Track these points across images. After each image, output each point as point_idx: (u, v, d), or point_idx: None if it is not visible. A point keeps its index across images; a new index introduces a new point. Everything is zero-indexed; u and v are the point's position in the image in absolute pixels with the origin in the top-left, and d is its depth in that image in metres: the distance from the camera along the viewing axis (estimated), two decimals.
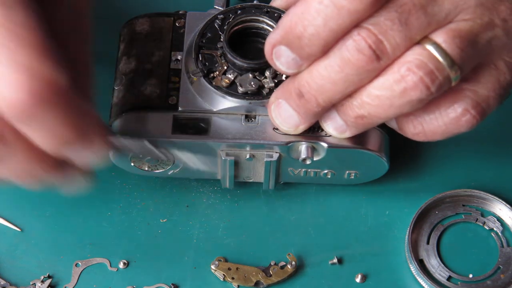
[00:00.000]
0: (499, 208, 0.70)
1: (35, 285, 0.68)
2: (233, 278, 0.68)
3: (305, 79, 0.58)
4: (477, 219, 0.70)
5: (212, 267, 0.68)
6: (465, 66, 0.57)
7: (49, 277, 0.68)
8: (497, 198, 0.70)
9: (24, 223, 0.71)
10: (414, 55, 0.56)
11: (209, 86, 0.64)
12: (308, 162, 0.65)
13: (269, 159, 0.66)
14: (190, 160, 0.67)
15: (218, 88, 0.64)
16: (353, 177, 0.68)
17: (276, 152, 0.66)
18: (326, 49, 0.57)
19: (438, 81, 0.56)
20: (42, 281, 0.68)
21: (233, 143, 0.65)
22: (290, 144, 0.65)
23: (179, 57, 0.68)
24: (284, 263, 0.69)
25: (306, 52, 0.57)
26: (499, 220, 0.70)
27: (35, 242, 0.70)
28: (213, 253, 0.69)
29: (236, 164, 0.67)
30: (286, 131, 0.64)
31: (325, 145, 0.64)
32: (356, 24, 0.55)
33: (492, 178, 0.72)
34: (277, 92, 0.62)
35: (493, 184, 0.71)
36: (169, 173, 0.69)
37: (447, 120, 0.60)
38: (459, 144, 0.73)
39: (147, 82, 0.67)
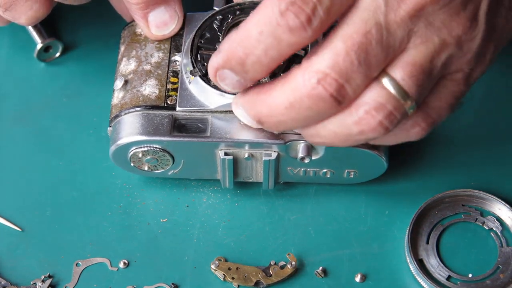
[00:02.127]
0: (499, 208, 0.70)
1: (36, 285, 0.68)
2: (233, 278, 0.68)
3: (264, 112, 0.59)
4: (477, 219, 0.70)
5: (212, 267, 0.68)
6: (422, 96, 0.57)
7: (49, 276, 0.69)
8: (497, 198, 0.70)
9: (25, 223, 0.71)
10: (372, 96, 0.56)
11: (207, 85, 0.65)
12: (306, 160, 0.65)
13: (267, 158, 0.66)
14: None
15: (216, 87, 0.64)
16: (352, 176, 0.69)
17: (275, 151, 0.66)
18: (268, 73, 0.57)
19: (396, 120, 0.57)
20: (43, 281, 0.68)
21: (231, 143, 0.65)
22: (289, 143, 0.65)
23: (178, 58, 0.68)
24: (284, 263, 0.69)
25: (249, 76, 0.57)
26: (499, 220, 0.70)
27: (36, 242, 0.70)
28: (213, 253, 0.69)
29: (235, 163, 0.67)
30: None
31: None
32: (298, 49, 0.55)
33: (492, 178, 0.72)
34: (236, 98, 0.62)
35: (492, 184, 0.71)
36: (169, 174, 0.69)
37: (397, 130, 0.59)
38: (458, 144, 0.73)
39: (146, 83, 0.67)
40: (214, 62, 0.58)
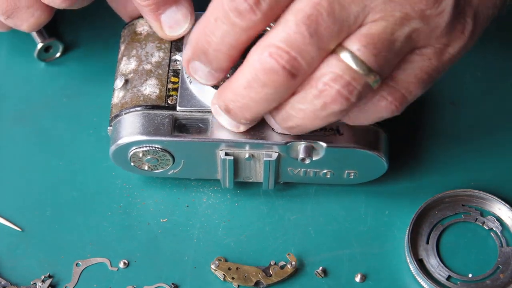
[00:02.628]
0: (499, 208, 0.70)
1: (36, 285, 0.68)
2: (233, 278, 0.68)
3: (229, 97, 0.59)
4: (477, 219, 0.70)
5: (212, 267, 0.68)
6: (385, 68, 0.57)
7: (49, 276, 0.69)
8: (497, 198, 0.70)
9: (25, 223, 0.71)
10: (329, 68, 0.56)
11: (208, 85, 0.65)
12: (307, 161, 0.65)
13: (268, 159, 0.66)
14: None
15: (216, 87, 0.64)
16: (352, 177, 0.69)
17: (275, 152, 0.66)
18: (232, 61, 0.57)
19: (357, 91, 0.56)
20: (43, 281, 0.68)
21: (232, 143, 0.65)
22: (289, 143, 0.65)
23: (179, 58, 0.68)
24: (284, 263, 0.69)
25: (215, 65, 0.58)
26: (499, 220, 0.70)
27: (36, 242, 0.70)
28: (213, 253, 0.69)
29: (236, 164, 0.67)
30: (231, 130, 0.64)
31: (324, 144, 0.65)
32: (256, 34, 0.56)
33: (492, 178, 0.72)
34: (213, 98, 0.62)
35: (492, 184, 0.71)
36: (169, 173, 0.69)
37: (365, 106, 0.59)
38: (458, 144, 0.73)
39: (147, 82, 0.67)
40: (185, 54, 0.59)
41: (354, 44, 0.55)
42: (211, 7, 0.56)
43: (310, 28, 0.54)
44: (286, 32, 0.55)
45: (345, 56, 0.56)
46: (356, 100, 0.57)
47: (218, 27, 0.56)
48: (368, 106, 0.59)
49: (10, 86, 0.77)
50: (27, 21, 0.70)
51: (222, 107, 0.60)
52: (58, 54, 0.78)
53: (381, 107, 0.59)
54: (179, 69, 0.67)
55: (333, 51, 0.56)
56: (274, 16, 0.55)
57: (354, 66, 0.55)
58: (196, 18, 0.69)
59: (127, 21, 0.72)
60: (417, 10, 0.55)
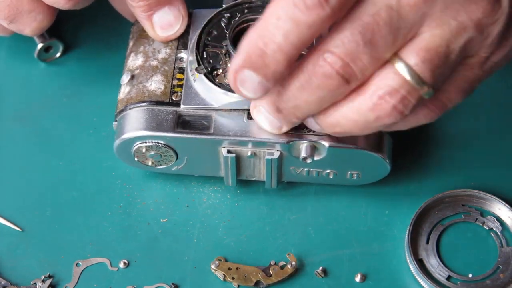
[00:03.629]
0: (499, 208, 0.70)
1: (36, 285, 0.68)
2: (233, 278, 0.68)
3: (281, 98, 0.59)
4: (477, 219, 0.70)
5: (212, 267, 0.68)
6: (439, 81, 0.56)
7: (49, 276, 0.69)
8: (497, 198, 0.70)
9: (25, 223, 0.71)
10: (385, 80, 0.55)
11: (212, 84, 0.65)
12: (309, 161, 0.65)
13: (270, 157, 0.66)
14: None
15: (220, 85, 0.65)
16: (355, 177, 0.69)
17: (277, 150, 0.66)
18: (290, 64, 0.56)
19: (411, 105, 0.56)
20: (43, 281, 0.68)
21: (234, 140, 0.65)
22: (291, 142, 0.65)
23: (184, 55, 0.68)
24: (284, 263, 0.69)
25: (271, 70, 0.56)
26: (499, 220, 0.70)
27: (36, 242, 0.70)
28: (213, 253, 0.69)
29: (238, 161, 0.67)
30: (271, 132, 0.64)
31: (326, 144, 0.65)
32: (317, 34, 0.55)
33: (492, 178, 0.72)
34: (256, 101, 0.62)
35: (492, 184, 0.71)
36: (173, 169, 0.69)
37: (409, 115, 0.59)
38: (458, 144, 0.73)
39: (152, 78, 0.67)
40: (234, 64, 0.57)
41: (412, 57, 0.55)
42: (271, 8, 0.55)
43: (365, 37, 0.54)
44: (341, 40, 0.55)
45: (401, 68, 0.55)
46: (410, 113, 0.57)
47: (281, 26, 0.54)
48: (411, 115, 0.59)
49: (10, 86, 0.77)
50: (30, 25, 0.70)
51: (271, 108, 0.60)
52: (58, 54, 0.78)
53: (422, 116, 0.59)
54: (185, 66, 0.68)
55: (389, 61, 0.55)
56: (340, 14, 0.54)
57: (411, 80, 0.55)
58: (197, 16, 0.69)
59: (132, 21, 0.72)
60: (474, 19, 0.55)
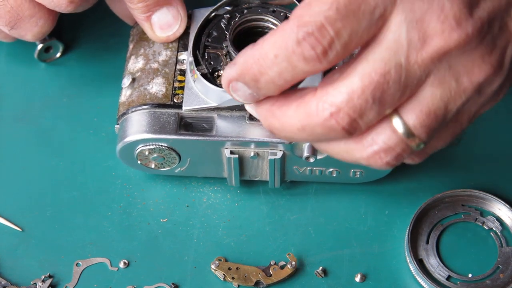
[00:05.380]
0: (498, 208, 0.70)
1: (36, 285, 0.68)
2: (233, 278, 0.68)
3: (275, 126, 0.58)
4: (476, 219, 0.70)
5: (212, 266, 0.68)
6: (432, 138, 0.57)
7: (49, 276, 0.69)
8: (496, 198, 0.70)
9: (25, 223, 0.71)
10: (382, 136, 0.56)
11: (212, 84, 0.65)
12: (311, 160, 0.65)
13: (273, 157, 0.66)
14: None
15: (220, 85, 0.65)
16: (358, 175, 0.69)
17: (280, 150, 0.66)
18: (281, 91, 0.56)
19: (402, 159, 0.57)
20: (43, 281, 0.68)
21: (237, 141, 0.65)
22: (294, 142, 0.65)
23: (185, 57, 0.68)
24: (284, 263, 0.69)
25: (262, 92, 0.57)
26: (498, 219, 0.70)
27: (36, 242, 0.70)
28: (213, 253, 0.69)
29: (241, 162, 0.67)
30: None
31: None
32: (311, 75, 0.55)
33: (491, 178, 0.72)
34: (252, 104, 0.60)
35: (492, 184, 0.71)
36: (176, 171, 0.69)
37: None
38: (458, 144, 0.73)
39: (153, 81, 0.67)
40: (228, 73, 0.57)
41: (411, 118, 0.55)
42: (272, 40, 0.54)
43: (375, 96, 0.54)
44: (350, 95, 0.54)
45: (399, 126, 0.55)
46: (398, 163, 0.57)
47: (277, 64, 0.54)
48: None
49: (11, 86, 0.77)
50: (31, 30, 0.70)
51: (266, 127, 0.59)
52: (58, 55, 0.78)
53: (407, 161, 0.60)
54: (186, 68, 0.68)
55: (389, 115, 0.55)
56: (338, 62, 0.54)
57: (407, 140, 0.55)
58: (196, 15, 0.69)
59: (131, 24, 0.72)
60: (474, 82, 0.55)
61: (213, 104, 0.65)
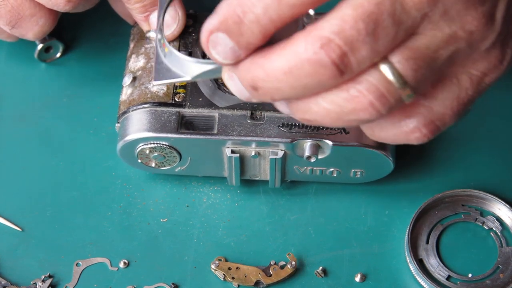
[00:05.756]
0: (498, 208, 0.70)
1: (36, 285, 0.68)
2: (233, 278, 0.68)
3: (260, 76, 0.55)
4: (476, 218, 0.71)
5: (212, 266, 0.68)
6: (420, 85, 0.55)
7: (49, 276, 0.69)
8: (496, 198, 0.70)
9: (25, 223, 0.71)
10: (366, 76, 0.53)
11: (182, 55, 0.61)
12: (312, 160, 0.66)
13: (274, 157, 0.66)
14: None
15: (191, 53, 0.64)
16: (359, 175, 0.69)
17: (281, 150, 0.66)
18: (264, 39, 0.54)
19: (389, 104, 0.54)
20: (43, 281, 0.68)
21: (238, 140, 0.65)
22: (295, 141, 0.65)
23: (152, 34, 0.68)
24: (284, 263, 0.69)
25: (245, 39, 0.53)
26: (498, 219, 0.70)
27: (36, 242, 0.70)
28: (213, 253, 0.69)
29: (242, 161, 0.67)
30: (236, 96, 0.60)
31: (330, 143, 0.65)
32: (300, 15, 0.52)
33: (491, 178, 0.72)
34: (232, 70, 0.57)
35: (492, 184, 0.71)
36: (176, 170, 0.69)
37: (398, 131, 0.58)
38: (458, 144, 0.73)
39: None
40: (209, 24, 0.54)
41: (396, 55, 0.53)
42: None
43: (368, 27, 0.51)
44: (341, 26, 0.51)
45: (384, 66, 0.53)
46: (386, 112, 0.55)
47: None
48: (401, 133, 0.58)
49: (10, 86, 0.77)
50: (32, 29, 0.70)
51: (247, 83, 0.56)
52: (58, 55, 0.78)
53: (413, 138, 0.58)
54: (154, 46, 0.67)
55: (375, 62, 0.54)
56: None
57: (391, 78, 0.53)
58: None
59: (132, 24, 0.72)
60: (466, 30, 0.54)
61: (186, 77, 0.61)
